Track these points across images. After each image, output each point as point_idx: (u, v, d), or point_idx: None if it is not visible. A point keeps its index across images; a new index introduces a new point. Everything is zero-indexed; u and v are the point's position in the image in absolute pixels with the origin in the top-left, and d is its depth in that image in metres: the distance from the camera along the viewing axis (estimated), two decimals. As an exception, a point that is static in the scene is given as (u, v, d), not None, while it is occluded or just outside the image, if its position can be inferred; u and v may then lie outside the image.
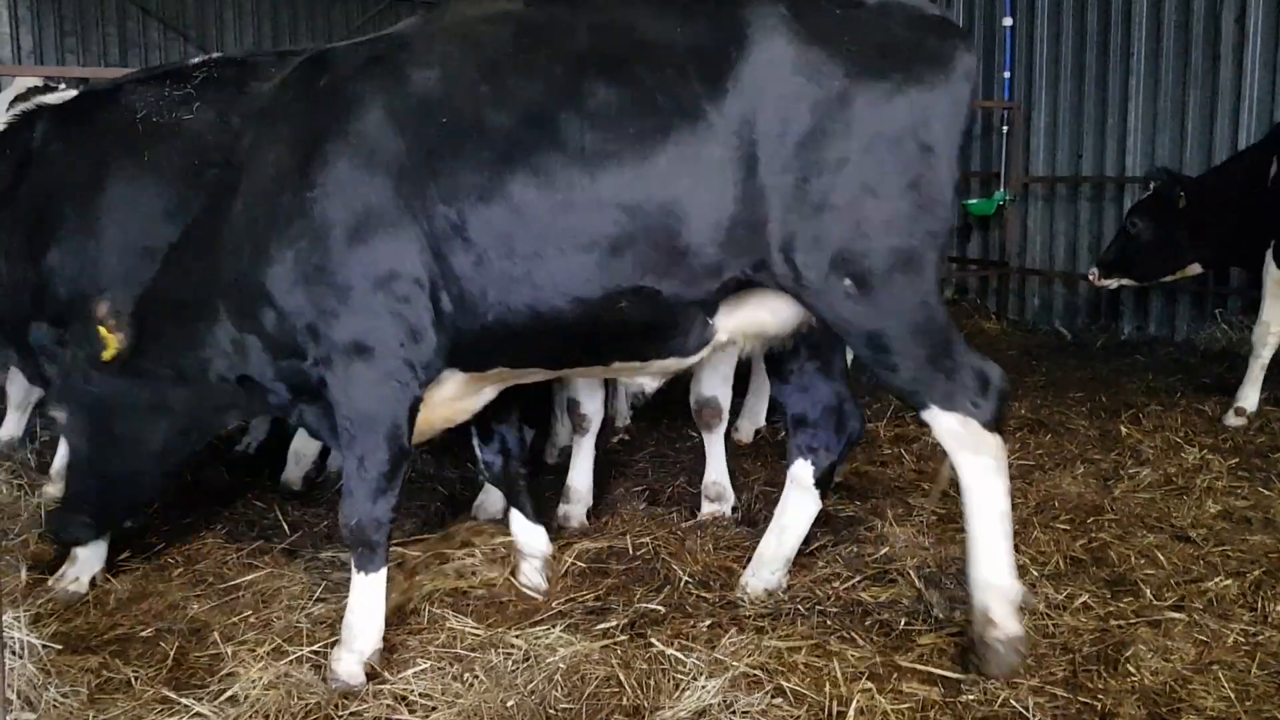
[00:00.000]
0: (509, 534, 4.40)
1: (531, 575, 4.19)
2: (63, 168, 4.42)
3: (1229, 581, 4.09)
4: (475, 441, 4.26)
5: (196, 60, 4.61)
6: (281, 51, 4.60)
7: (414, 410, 3.57)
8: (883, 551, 4.38)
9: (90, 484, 4.07)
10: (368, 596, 3.59)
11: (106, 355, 3.78)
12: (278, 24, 16.56)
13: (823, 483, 4.05)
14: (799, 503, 4.07)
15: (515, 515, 4.26)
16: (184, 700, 3.32)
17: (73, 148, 4.46)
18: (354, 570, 3.60)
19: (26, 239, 4.40)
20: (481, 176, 3.37)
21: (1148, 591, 4.00)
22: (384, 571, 3.62)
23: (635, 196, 3.34)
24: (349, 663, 3.49)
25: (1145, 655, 3.53)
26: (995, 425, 3.45)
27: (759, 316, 3.64)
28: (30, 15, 14.90)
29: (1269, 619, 3.80)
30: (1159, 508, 4.96)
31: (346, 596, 4.03)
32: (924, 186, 3.37)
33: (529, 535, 4.24)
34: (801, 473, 4.03)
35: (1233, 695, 3.29)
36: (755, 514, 4.91)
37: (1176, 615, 3.82)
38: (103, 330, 3.77)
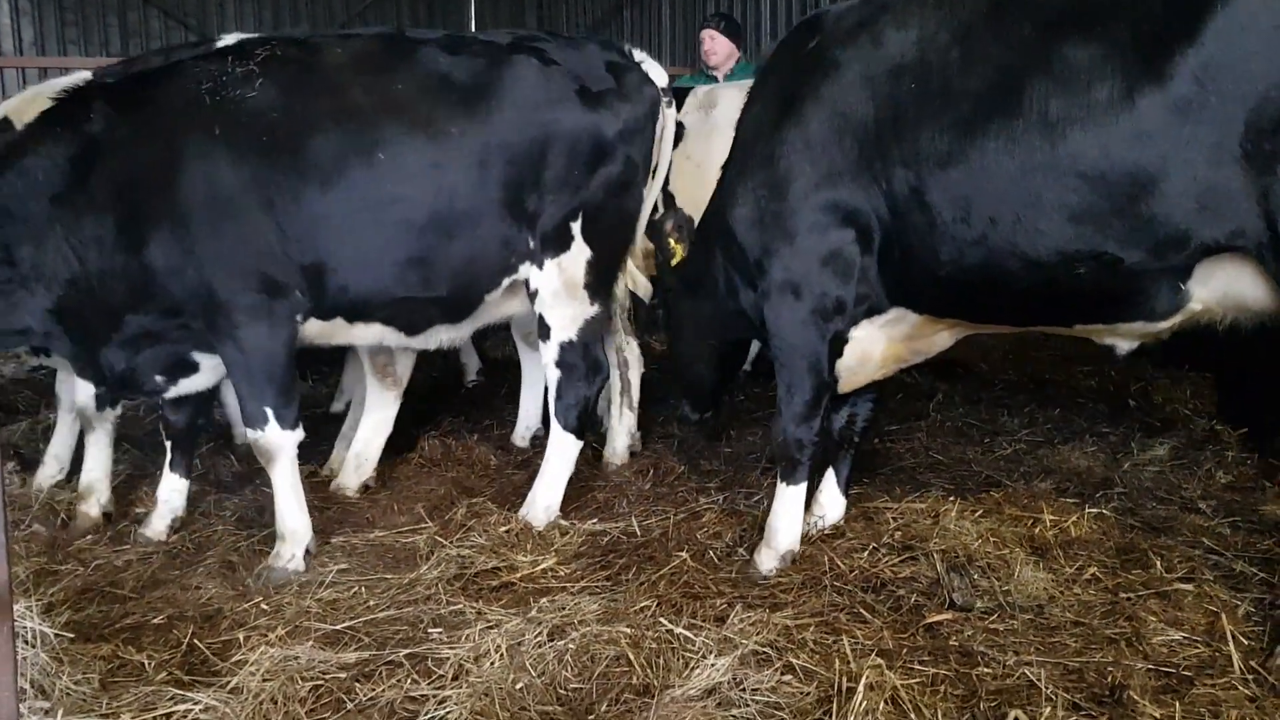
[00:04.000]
0: (512, 517, 4.46)
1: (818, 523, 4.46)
2: None
3: (1239, 552, 4.08)
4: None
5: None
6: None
7: (835, 346, 3.98)
8: (900, 531, 4.35)
9: (680, 372, 4.97)
10: (789, 504, 4.16)
11: (674, 261, 4.57)
12: (278, 11, 16.53)
13: None
14: None
15: (829, 478, 4.51)
16: (195, 685, 3.34)
17: None
18: (779, 481, 4.17)
19: None
20: (944, 142, 3.47)
21: (1158, 563, 3.98)
22: (804, 485, 4.17)
23: (1100, 163, 3.25)
24: (768, 557, 4.11)
25: (1156, 627, 3.53)
26: None
27: (1238, 287, 3.38)
28: (31, 7, 14.91)
29: (1280, 589, 3.79)
30: (1168, 480, 4.94)
31: (355, 582, 4.06)
32: None
33: (832, 500, 4.51)
34: None
35: (1243, 667, 3.28)
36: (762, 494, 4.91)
37: (1186, 587, 3.81)
38: (670, 241, 4.55)
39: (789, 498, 4.16)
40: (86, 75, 4.87)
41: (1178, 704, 3.10)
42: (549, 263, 4.64)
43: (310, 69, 4.43)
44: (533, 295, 4.70)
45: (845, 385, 4.23)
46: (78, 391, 5.02)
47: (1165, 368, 6.64)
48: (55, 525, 4.86)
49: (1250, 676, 3.24)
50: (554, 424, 4.82)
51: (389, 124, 4.35)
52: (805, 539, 4.29)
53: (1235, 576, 3.90)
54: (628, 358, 5.47)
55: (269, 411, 4.32)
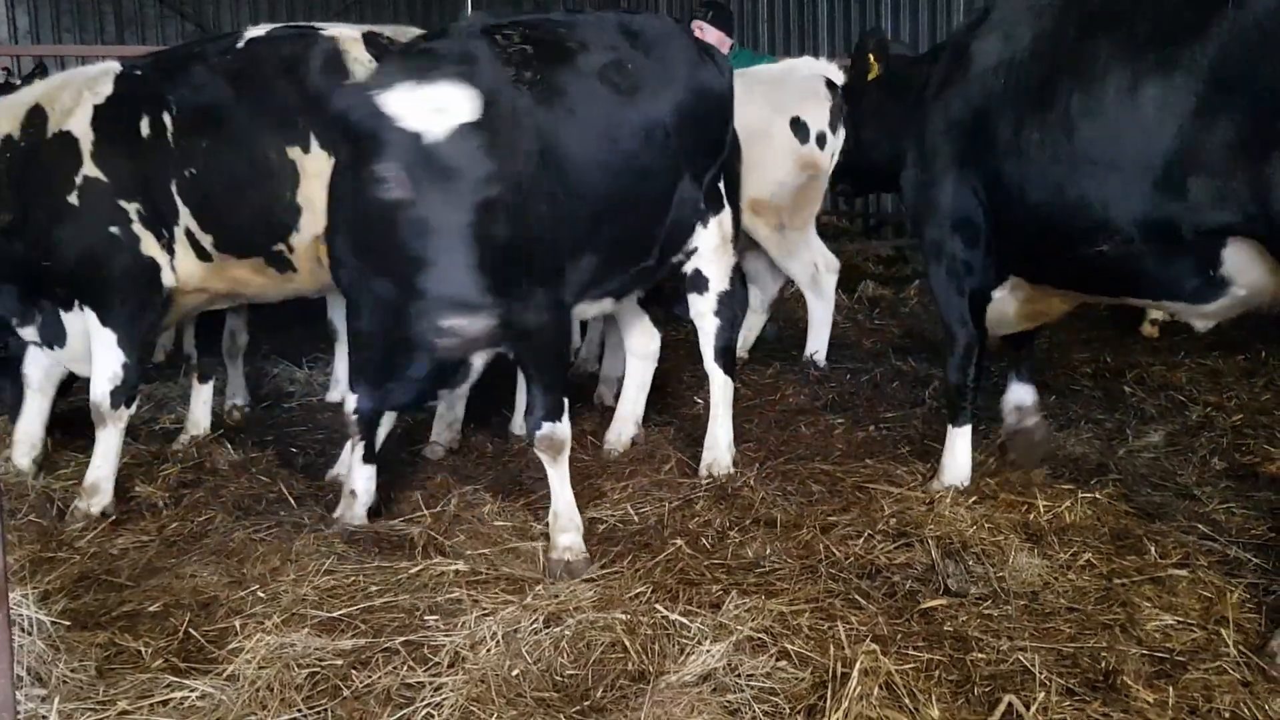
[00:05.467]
0: (508, 506, 4.50)
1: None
2: None
3: (1234, 538, 4.09)
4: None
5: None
6: None
7: (976, 302, 4.45)
8: (896, 518, 4.36)
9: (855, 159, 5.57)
10: (956, 442, 4.62)
11: (870, 76, 5.10)
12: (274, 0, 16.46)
13: None
14: None
15: (1012, 380, 4.87)
16: (191, 673, 3.35)
17: None
18: (948, 424, 4.65)
19: None
20: (1006, 134, 3.99)
21: (1152, 549, 3.99)
22: (968, 427, 4.63)
23: (1107, 156, 3.67)
24: (939, 484, 4.57)
25: (1150, 612, 3.54)
26: None
27: (1267, 274, 3.58)
28: (25, -5, 14.84)
29: (1276, 575, 3.79)
30: (1163, 466, 4.94)
31: (352, 569, 4.05)
32: None
33: (1021, 394, 4.85)
34: None
35: (1236, 652, 3.30)
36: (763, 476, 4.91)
37: (1181, 572, 3.82)
38: (870, 57, 5.06)
39: (956, 437, 4.61)
40: (116, 65, 4.86)
41: (1171, 689, 3.11)
42: (711, 220, 5.06)
43: (566, 51, 4.43)
44: (692, 252, 5.04)
45: (994, 333, 4.71)
46: (93, 389, 4.91)
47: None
48: (51, 515, 4.84)
49: (1244, 662, 3.25)
50: (713, 370, 5.16)
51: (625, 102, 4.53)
52: (802, 524, 4.31)
53: (1230, 562, 3.92)
54: (651, 349, 5.48)
55: None
